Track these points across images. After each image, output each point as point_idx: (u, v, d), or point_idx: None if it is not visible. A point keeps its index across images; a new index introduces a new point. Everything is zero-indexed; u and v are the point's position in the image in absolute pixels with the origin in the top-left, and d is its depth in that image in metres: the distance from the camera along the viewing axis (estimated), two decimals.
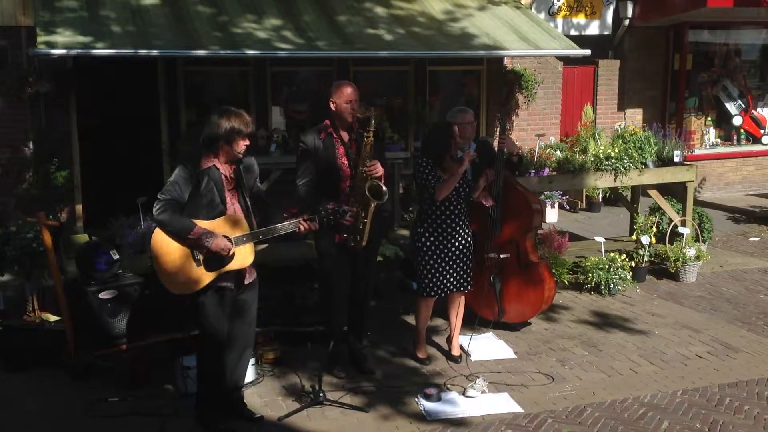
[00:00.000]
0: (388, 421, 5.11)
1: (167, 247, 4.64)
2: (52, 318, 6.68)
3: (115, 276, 6.31)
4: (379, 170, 5.46)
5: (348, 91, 5.57)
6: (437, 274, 5.93)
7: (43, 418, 5.21)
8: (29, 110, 9.22)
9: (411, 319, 7.05)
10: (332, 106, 5.60)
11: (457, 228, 5.94)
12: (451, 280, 5.97)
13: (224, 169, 4.76)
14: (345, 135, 5.62)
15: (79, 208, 9.59)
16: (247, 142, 4.75)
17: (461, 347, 6.23)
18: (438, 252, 5.90)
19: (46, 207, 7.94)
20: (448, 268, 5.94)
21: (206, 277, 4.70)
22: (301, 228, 4.86)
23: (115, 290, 6.15)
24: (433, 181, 5.75)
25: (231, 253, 4.69)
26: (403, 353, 6.24)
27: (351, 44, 9.08)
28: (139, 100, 10.23)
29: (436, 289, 5.95)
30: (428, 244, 5.89)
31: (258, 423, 5.06)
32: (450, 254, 5.93)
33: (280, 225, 4.84)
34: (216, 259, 4.68)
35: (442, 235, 5.90)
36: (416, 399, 5.40)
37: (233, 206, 4.80)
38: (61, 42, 8.01)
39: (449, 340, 6.22)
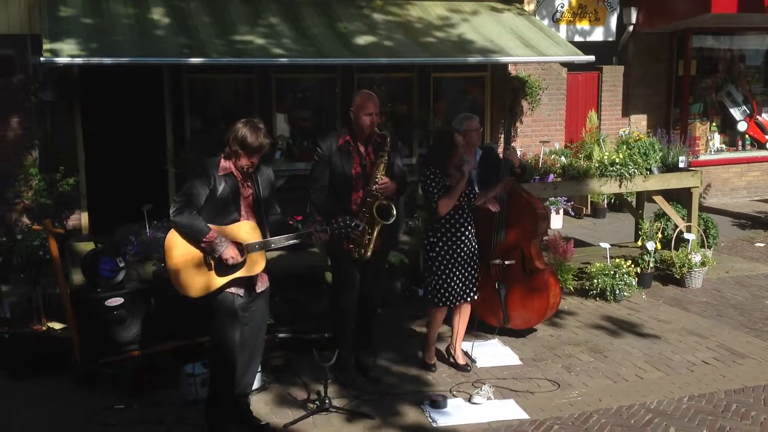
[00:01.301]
0: (394, 428, 5.10)
1: (180, 249, 4.67)
2: (58, 326, 6.69)
3: (121, 283, 6.31)
4: (390, 188, 5.50)
5: (369, 103, 5.57)
6: (452, 283, 5.91)
7: (49, 426, 5.20)
8: (35, 117, 9.26)
9: (416, 326, 7.06)
10: (351, 115, 5.62)
11: (468, 234, 5.95)
12: (464, 288, 5.97)
13: (240, 177, 4.78)
14: (362, 145, 5.63)
15: (84, 215, 9.62)
16: (254, 160, 4.73)
17: (467, 354, 6.23)
18: (451, 260, 5.89)
19: (52, 214, 7.96)
20: (460, 276, 5.94)
21: (217, 282, 4.72)
22: (314, 238, 4.89)
23: (120, 298, 6.16)
24: (437, 195, 5.75)
25: (242, 260, 4.70)
26: (409, 360, 6.24)
27: (355, 51, 9.10)
28: (144, 107, 10.26)
29: (451, 297, 5.94)
30: (442, 253, 5.87)
31: (264, 430, 5.06)
32: (462, 261, 5.93)
33: (293, 234, 4.86)
34: (227, 265, 4.70)
35: (456, 243, 5.89)
36: (422, 406, 5.39)
37: (248, 214, 4.82)
38: (67, 50, 8.04)
39: (453, 348, 6.21)
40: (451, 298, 5.93)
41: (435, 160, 5.86)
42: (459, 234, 5.89)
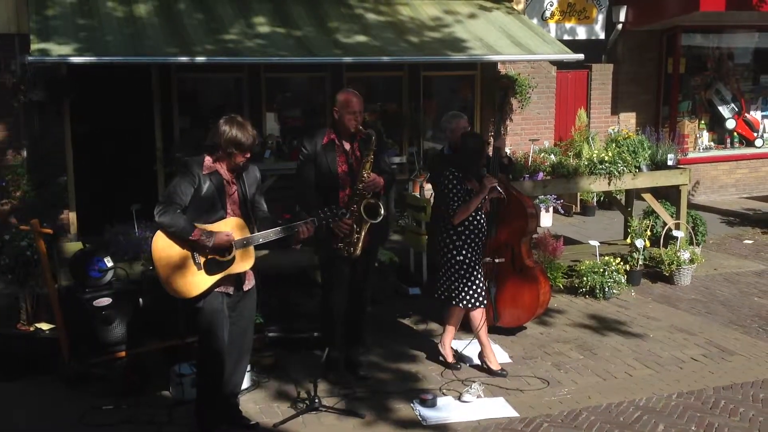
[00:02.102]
0: (384, 427, 5.10)
1: (168, 250, 4.65)
2: (46, 326, 6.65)
3: (109, 283, 6.29)
4: (378, 183, 5.51)
5: (352, 101, 5.56)
6: (481, 282, 5.95)
7: (37, 427, 5.18)
8: (23, 117, 9.21)
9: (407, 323, 7.08)
10: (335, 114, 5.60)
11: (485, 232, 6.01)
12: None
13: (226, 175, 4.77)
14: (347, 143, 5.62)
15: (73, 215, 9.58)
16: (248, 155, 4.76)
17: (457, 352, 6.23)
18: (477, 260, 5.95)
19: (40, 214, 7.91)
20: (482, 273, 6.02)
21: (206, 282, 4.70)
22: (301, 231, 4.87)
23: (109, 298, 6.13)
24: (456, 204, 5.79)
25: (231, 255, 4.69)
26: (399, 358, 6.24)
27: (345, 50, 9.09)
28: (133, 107, 10.22)
29: (484, 294, 5.98)
30: (469, 255, 5.90)
31: (253, 430, 5.05)
32: (479, 259, 6.00)
33: (279, 228, 4.85)
34: (216, 263, 4.69)
35: (479, 242, 5.95)
36: (412, 404, 5.39)
37: (234, 212, 4.81)
38: (55, 49, 7.99)
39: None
40: (483, 294, 5.98)
41: (458, 162, 5.89)
42: (481, 235, 5.95)
